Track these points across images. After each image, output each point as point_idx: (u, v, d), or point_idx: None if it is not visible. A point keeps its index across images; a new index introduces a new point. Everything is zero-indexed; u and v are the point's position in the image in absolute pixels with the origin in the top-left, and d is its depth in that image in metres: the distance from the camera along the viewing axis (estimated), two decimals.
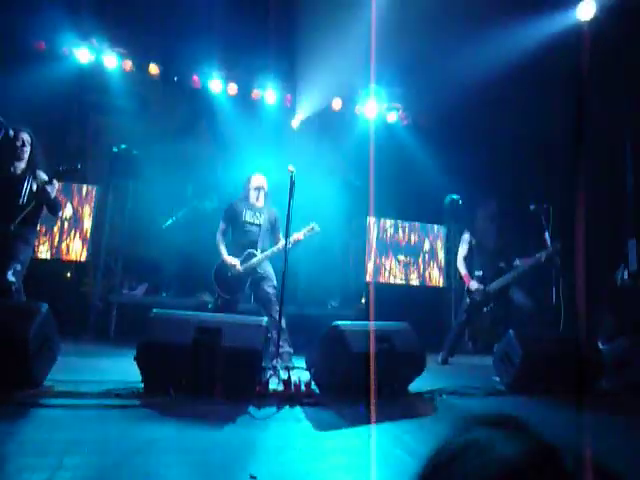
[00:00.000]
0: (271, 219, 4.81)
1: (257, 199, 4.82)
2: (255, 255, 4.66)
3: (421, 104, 7.13)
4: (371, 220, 7.06)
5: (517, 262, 5.02)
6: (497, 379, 4.15)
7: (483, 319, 5.79)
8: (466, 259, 5.26)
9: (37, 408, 2.61)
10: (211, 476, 1.91)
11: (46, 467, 1.85)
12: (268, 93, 7.08)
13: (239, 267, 4.61)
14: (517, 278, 5.00)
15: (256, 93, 7.12)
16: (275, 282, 4.62)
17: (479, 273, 5.13)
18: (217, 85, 6.87)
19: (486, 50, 5.38)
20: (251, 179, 4.88)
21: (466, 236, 5.32)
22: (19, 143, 3.77)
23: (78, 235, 5.99)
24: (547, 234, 4.84)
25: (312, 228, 4.63)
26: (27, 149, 3.82)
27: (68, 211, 5.96)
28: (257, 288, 4.66)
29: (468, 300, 5.16)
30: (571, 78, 6.06)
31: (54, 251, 5.88)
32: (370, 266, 7.02)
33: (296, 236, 4.54)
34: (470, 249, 5.26)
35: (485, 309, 5.12)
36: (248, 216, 4.77)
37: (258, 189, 4.82)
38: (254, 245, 4.70)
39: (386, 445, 2.46)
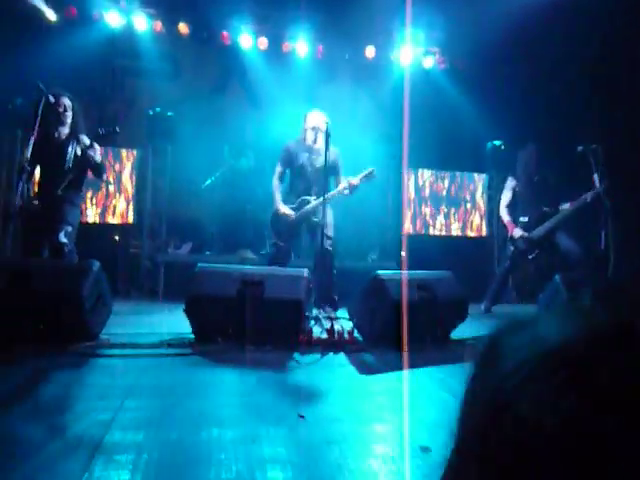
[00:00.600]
0: (330, 161, 4.29)
1: (314, 140, 4.38)
2: (309, 201, 4.37)
3: (459, 46, 6.79)
4: (410, 171, 6.92)
5: (563, 206, 4.83)
6: None
7: (527, 266, 5.67)
8: (509, 206, 5.08)
9: (96, 358, 2.78)
10: (262, 415, 2.00)
11: (109, 409, 1.99)
12: (299, 45, 6.90)
13: (292, 216, 4.38)
14: (562, 222, 4.82)
15: (287, 46, 6.96)
16: (331, 232, 4.34)
17: (524, 219, 4.97)
18: (247, 40, 6.75)
19: None
20: (307, 118, 4.45)
21: (510, 182, 5.12)
22: (61, 109, 3.86)
23: (122, 198, 6.17)
24: (596, 176, 4.61)
25: (370, 172, 4.26)
26: (69, 114, 3.91)
27: (111, 175, 6.12)
28: (312, 236, 4.43)
29: (512, 247, 5.04)
30: (621, 6, 5.61)
31: (101, 215, 6.10)
32: (409, 217, 6.93)
33: (352, 181, 4.23)
34: (514, 196, 5.07)
35: (530, 256, 4.98)
36: (304, 159, 4.41)
37: (315, 129, 4.36)
38: (309, 191, 4.40)
39: (431, 388, 2.50)
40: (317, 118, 4.38)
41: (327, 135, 4.02)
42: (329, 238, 4.28)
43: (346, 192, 4.23)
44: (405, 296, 3.16)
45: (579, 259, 4.68)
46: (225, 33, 6.69)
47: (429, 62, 7.12)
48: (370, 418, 2.06)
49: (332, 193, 4.30)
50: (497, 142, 6.81)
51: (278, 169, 4.50)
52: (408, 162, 6.44)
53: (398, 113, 6.86)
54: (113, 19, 6.40)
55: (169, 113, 6.16)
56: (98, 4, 6.30)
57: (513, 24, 5.44)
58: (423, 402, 2.27)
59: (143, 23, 6.50)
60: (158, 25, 6.58)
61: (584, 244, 4.85)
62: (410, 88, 6.62)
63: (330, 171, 4.34)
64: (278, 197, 4.44)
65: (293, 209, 4.42)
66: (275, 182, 4.48)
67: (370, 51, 7.05)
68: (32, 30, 6.00)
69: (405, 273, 3.50)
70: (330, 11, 6.58)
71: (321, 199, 4.23)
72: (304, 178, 4.42)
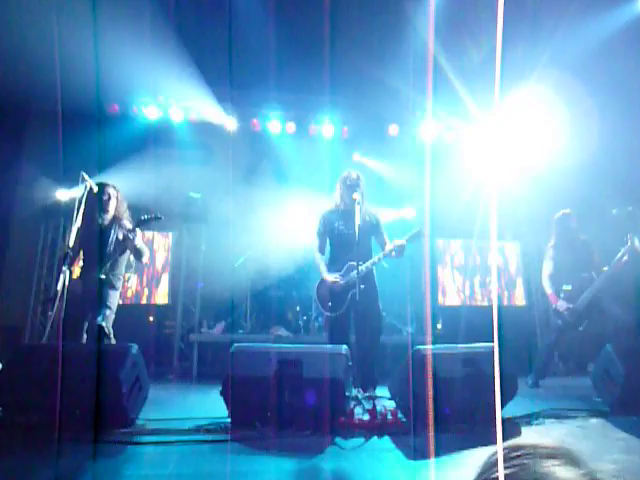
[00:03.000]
0: (372, 223, 4.20)
1: (351, 205, 4.08)
2: (355, 268, 3.89)
3: (481, 119, 6.98)
4: (441, 242, 6.90)
5: (603, 270, 4.65)
6: (599, 400, 3.83)
7: (574, 338, 5.39)
8: (552, 276, 4.91)
9: (134, 445, 2.70)
10: None
11: None
12: (325, 128, 7.24)
13: (341, 282, 4.05)
14: (605, 286, 4.61)
15: (313, 129, 7.31)
16: (377, 307, 4.08)
17: (568, 287, 4.77)
18: (276, 126, 7.13)
19: (550, 52, 5.23)
20: (342, 183, 4.21)
21: (550, 252, 4.99)
22: (105, 197, 4.08)
23: (157, 280, 6.29)
24: (636, 238, 4.47)
25: (418, 232, 4.00)
26: (113, 202, 4.13)
27: (147, 257, 6.29)
28: (357, 307, 3.95)
29: (560, 322, 4.78)
30: None
31: (136, 296, 6.20)
32: (443, 289, 6.81)
33: (398, 241, 3.98)
34: (554, 265, 4.91)
35: (580, 328, 4.70)
36: (342, 226, 4.17)
37: (350, 194, 4.09)
38: (352, 257, 3.97)
39: None
40: (353, 183, 4.13)
41: (358, 211, 4.04)
42: (376, 312, 4.05)
43: (393, 254, 3.98)
44: (450, 372, 3.02)
45: (629, 326, 4.43)
46: (255, 120, 7.08)
47: (451, 136, 7.33)
48: None
49: (378, 257, 4.04)
50: (528, 209, 6.78)
51: (316, 242, 4.29)
52: (440, 233, 6.42)
53: (423, 185, 7.00)
54: (151, 113, 6.88)
55: (205, 197, 6.41)
56: (138, 100, 6.81)
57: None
58: None
59: (179, 115, 6.96)
60: (193, 115, 7.03)
61: (634, 308, 4.63)
62: (435, 161, 6.79)
63: (371, 232, 4.21)
64: (323, 267, 4.16)
65: (340, 276, 4.10)
66: (316, 254, 4.26)
67: (393, 129, 7.32)
68: (76, 124, 6.47)
69: (447, 347, 3.37)
70: (354, 94, 6.93)
71: (367, 264, 4.02)
72: (344, 245, 4.12)
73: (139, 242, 3.99)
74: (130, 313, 5.99)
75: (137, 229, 3.93)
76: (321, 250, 4.29)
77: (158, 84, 6.77)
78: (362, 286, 3.81)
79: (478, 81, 5.84)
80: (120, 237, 3.99)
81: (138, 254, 4.06)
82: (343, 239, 4.15)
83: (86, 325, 3.89)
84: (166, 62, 6.35)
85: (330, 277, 4.10)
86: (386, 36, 6.28)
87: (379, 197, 6.81)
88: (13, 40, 5.51)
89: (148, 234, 6.43)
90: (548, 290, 4.89)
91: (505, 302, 6.98)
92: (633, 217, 4.54)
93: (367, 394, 3.76)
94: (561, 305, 4.72)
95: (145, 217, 3.91)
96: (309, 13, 6.05)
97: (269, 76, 6.52)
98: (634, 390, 3.46)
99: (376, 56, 6.35)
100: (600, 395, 3.84)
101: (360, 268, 3.90)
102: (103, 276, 3.86)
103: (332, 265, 4.21)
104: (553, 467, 0.58)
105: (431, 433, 2.83)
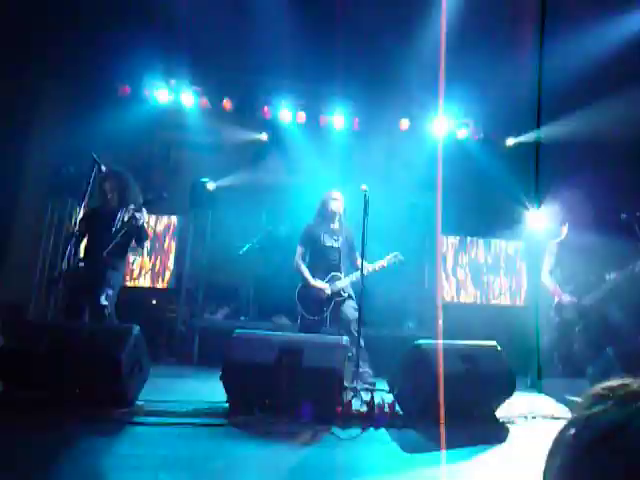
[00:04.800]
0: (348, 240, 4.69)
1: (334, 221, 4.67)
2: (339, 278, 4.56)
3: (493, 117, 6.93)
4: (446, 238, 6.88)
5: (611, 276, 4.59)
6: None
7: (574, 339, 5.38)
8: (552, 273, 4.82)
9: (132, 425, 2.72)
10: None
11: None
12: (336, 118, 7.19)
13: (328, 290, 4.50)
14: (611, 292, 4.56)
15: (324, 119, 7.26)
16: (356, 304, 4.48)
17: (570, 287, 4.70)
18: (287, 115, 7.09)
19: (561, 54, 5.17)
20: (327, 202, 4.70)
21: (552, 247, 4.90)
22: (114, 180, 4.08)
23: (162, 264, 6.31)
24: None
25: (396, 256, 4.59)
26: (120, 185, 4.12)
27: (153, 241, 6.31)
28: (338, 309, 4.50)
29: (558, 319, 4.76)
30: None
31: (140, 279, 6.23)
32: (446, 286, 6.80)
33: (380, 263, 4.54)
34: (557, 263, 4.82)
35: (577, 328, 4.67)
36: (326, 240, 4.63)
37: (334, 212, 4.65)
38: (335, 268, 4.59)
39: (474, 471, 2.32)
40: (336, 202, 4.66)
41: (365, 203, 4.09)
42: (356, 310, 4.39)
43: (372, 271, 4.50)
44: (449, 368, 3.02)
45: (632, 333, 4.40)
46: (266, 108, 7.05)
47: (463, 133, 7.27)
48: None
49: (366, 270, 4.36)
50: (531, 208, 6.74)
51: (300, 250, 4.67)
52: (445, 229, 6.40)
53: (432, 181, 6.97)
54: (162, 96, 6.86)
55: (212, 182, 6.41)
56: (149, 83, 6.79)
57: (547, 93, 5.53)
58: None
59: (190, 99, 6.93)
60: (204, 101, 7.00)
61: (637, 316, 4.60)
62: (444, 158, 6.74)
63: (347, 248, 4.68)
64: (307, 274, 4.56)
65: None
66: (299, 261, 4.63)
67: (404, 123, 7.26)
68: (86, 102, 6.46)
69: (447, 343, 3.37)
70: (366, 86, 6.88)
71: (351, 277, 4.55)
72: (327, 258, 4.60)
73: (143, 223, 3.98)
74: (133, 295, 6.02)
75: (143, 209, 3.93)
76: (303, 259, 4.69)
77: (170, 67, 6.76)
78: (346, 294, 4.51)
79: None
80: (126, 219, 3.99)
81: (139, 236, 4.04)
82: (325, 252, 4.62)
83: (88, 305, 3.91)
84: (179, 45, 6.33)
85: (318, 284, 4.52)
86: (400, 28, 6.22)
87: (387, 191, 6.82)
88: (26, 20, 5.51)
89: (154, 217, 6.45)
90: (550, 285, 4.79)
91: (508, 301, 6.97)
92: None
93: (365, 386, 3.78)
94: (564, 298, 4.63)
95: (150, 197, 3.93)
96: (324, 1, 6.00)
97: (282, 64, 6.48)
98: None
99: (390, 48, 6.29)
100: None
101: (341, 281, 4.52)
102: (107, 257, 3.88)
103: (311, 274, 4.57)
104: None
105: (428, 427, 2.85)
